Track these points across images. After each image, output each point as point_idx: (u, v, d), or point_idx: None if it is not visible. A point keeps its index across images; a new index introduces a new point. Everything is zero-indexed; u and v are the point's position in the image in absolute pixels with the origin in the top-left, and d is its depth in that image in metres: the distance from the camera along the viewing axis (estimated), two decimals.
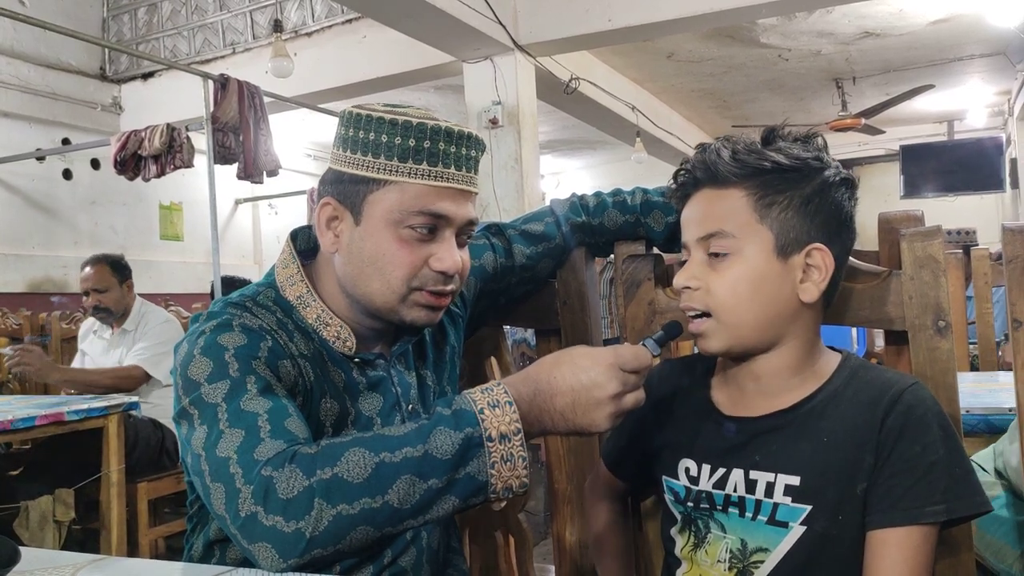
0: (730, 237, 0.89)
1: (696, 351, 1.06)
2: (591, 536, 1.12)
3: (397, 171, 0.94)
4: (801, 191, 0.89)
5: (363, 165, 0.95)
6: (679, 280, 0.92)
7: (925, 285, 0.99)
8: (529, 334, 3.96)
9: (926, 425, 0.86)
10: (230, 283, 4.00)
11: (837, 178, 0.91)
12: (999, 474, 1.39)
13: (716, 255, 0.90)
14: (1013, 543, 1.31)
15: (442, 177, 0.94)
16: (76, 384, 3.08)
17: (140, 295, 3.41)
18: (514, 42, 4.86)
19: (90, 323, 3.42)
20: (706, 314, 0.90)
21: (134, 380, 3.13)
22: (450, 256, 0.96)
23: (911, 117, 8.30)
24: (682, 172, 0.96)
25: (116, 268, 3.28)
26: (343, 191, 0.97)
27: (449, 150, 0.94)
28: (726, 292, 0.89)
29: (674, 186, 0.98)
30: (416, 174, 0.94)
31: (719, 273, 0.90)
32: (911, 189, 8.29)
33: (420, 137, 0.93)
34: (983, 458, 1.43)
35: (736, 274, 0.89)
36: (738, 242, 0.89)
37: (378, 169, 0.94)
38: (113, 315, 3.26)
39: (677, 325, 0.97)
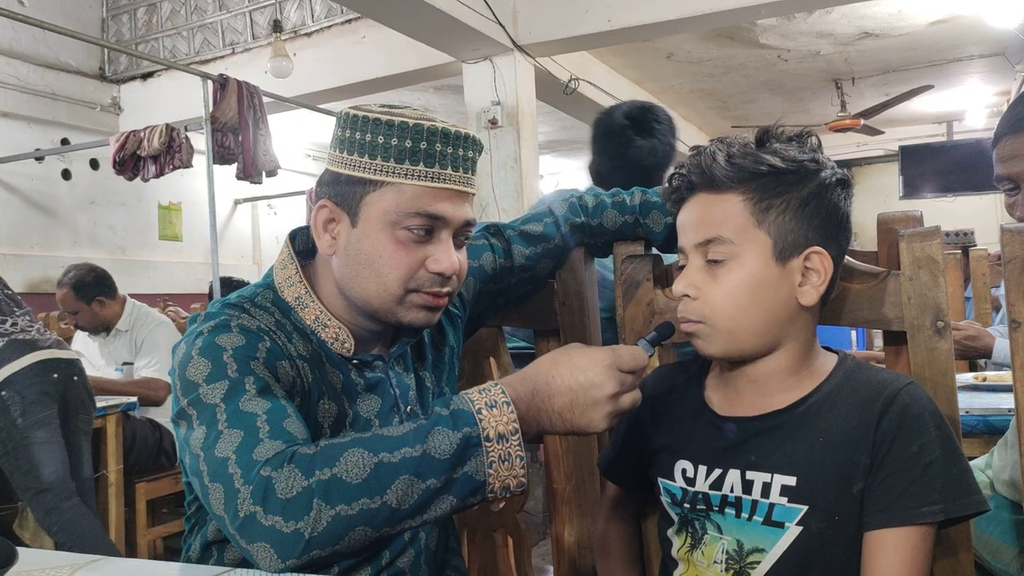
0: (728, 243, 0.89)
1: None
2: (599, 562, 1.11)
3: (394, 172, 0.93)
4: (798, 194, 0.89)
5: (360, 166, 0.94)
6: (678, 287, 0.92)
7: (924, 286, 0.99)
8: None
9: (922, 425, 0.86)
10: (229, 284, 4.01)
11: (834, 179, 0.91)
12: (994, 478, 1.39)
13: (714, 261, 0.89)
14: (1010, 542, 1.31)
15: (439, 178, 0.94)
16: (103, 392, 3.01)
17: (140, 296, 3.41)
18: (513, 42, 4.86)
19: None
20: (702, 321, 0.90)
21: (162, 392, 3.14)
22: (447, 257, 0.96)
23: (910, 118, 8.30)
24: (677, 176, 0.95)
25: (79, 290, 3.22)
26: (340, 193, 0.97)
27: (446, 151, 0.94)
28: (724, 300, 0.89)
29: (669, 190, 0.97)
30: (413, 175, 0.93)
31: (717, 280, 0.89)
32: (910, 190, 8.28)
33: (417, 138, 0.93)
34: (979, 464, 1.43)
35: (734, 281, 0.88)
36: (736, 248, 0.88)
37: (375, 170, 0.94)
38: (94, 330, 3.28)
39: (669, 326, 0.97)
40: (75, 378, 2.59)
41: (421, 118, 0.94)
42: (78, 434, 2.59)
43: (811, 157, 0.90)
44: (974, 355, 2.36)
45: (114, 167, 4.40)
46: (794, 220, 0.88)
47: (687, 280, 0.91)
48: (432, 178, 0.94)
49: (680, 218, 0.95)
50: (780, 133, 0.92)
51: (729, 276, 0.89)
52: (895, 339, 1.04)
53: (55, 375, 2.50)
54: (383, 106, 0.97)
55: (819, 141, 0.94)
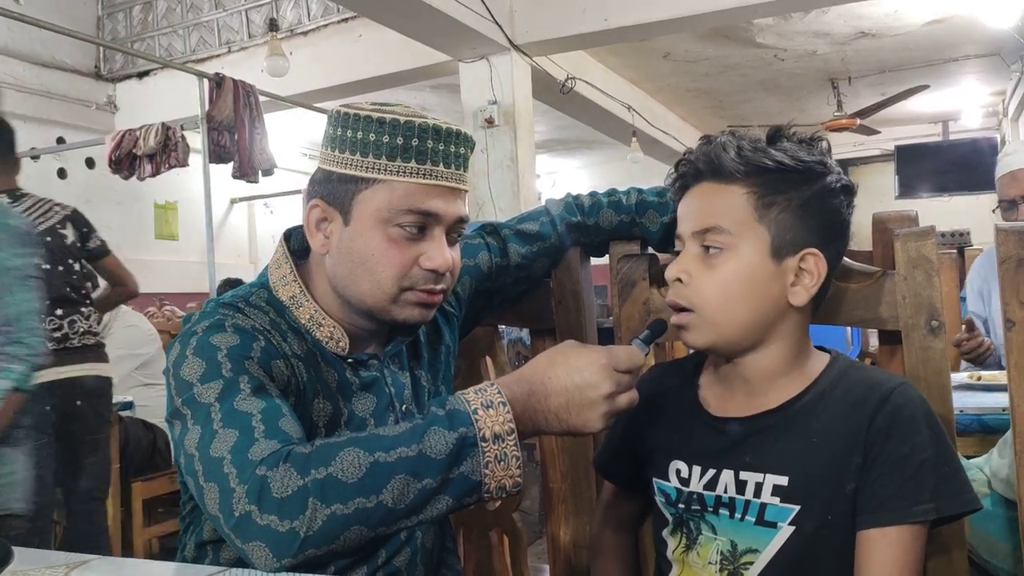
0: (726, 233, 0.89)
1: (690, 352, 1.07)
2: (593, 564, 1.12)
3: (386, 170, 0.93)
4: (801, 194, 0.89)
5: (352, 164, 0.94)
6: (671, 272, 0.92)
7: (918, 285, 0.99)
8: (524, 333, 3.96)
9: (914, 424, 0.86)
10: (232, 284, 3.99)
11: (838, 184, 0.91)
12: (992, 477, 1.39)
13: (710, 250, 0.90)
14: (1005, 538, 1.31)
15: (431, 175, 0.94)
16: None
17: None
18: (510, 41, 4.86)
19: None
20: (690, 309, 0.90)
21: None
22: (440, 254, 0.96)
23: (906, 117, 8.31)
24: (684, 163, 0.96)
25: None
26: (332, 191, 0.97)
27: (438, 148, 0.94)
28: (715, 290, 0.89)
29: (674, 175, 0.97)
30: (405, 172, 0.93)
31: (711, 269, 0.89)
32: (906, 189, 8.29)
33: (408, 135, 0.93)
34: (979, 463, 1.44)
35: (728, 271, 0.89)
36: (734, 239, 0.89)
37: (367, 168, 0.94)
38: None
39: (662, 323, 0.97)
40: (78, 403, 2.50)
41: (412, 115, 0.94)
42: (79, 453, 2.53)
43: (819, 160, 0.91)
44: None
45: (110, 166, 4.39)
46: (794, 219, 0.89)
47: (680, 265, 0.91)
48: (424, 175, 0.94)
49: (681, 206, 0.95)
50: (792, 134, 0.93)
51: (724, 267, 0.89)
52: (890, 339, 1.04)
53: (48, 407, 2.36)
54: (375, 104, 0.97)
55: (829, 146, 0.94)
